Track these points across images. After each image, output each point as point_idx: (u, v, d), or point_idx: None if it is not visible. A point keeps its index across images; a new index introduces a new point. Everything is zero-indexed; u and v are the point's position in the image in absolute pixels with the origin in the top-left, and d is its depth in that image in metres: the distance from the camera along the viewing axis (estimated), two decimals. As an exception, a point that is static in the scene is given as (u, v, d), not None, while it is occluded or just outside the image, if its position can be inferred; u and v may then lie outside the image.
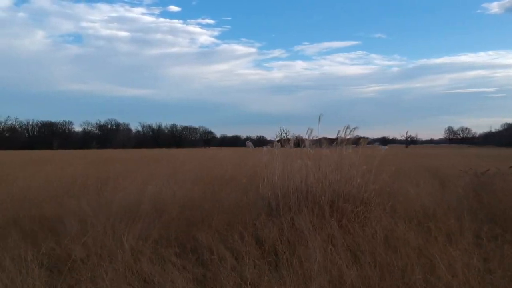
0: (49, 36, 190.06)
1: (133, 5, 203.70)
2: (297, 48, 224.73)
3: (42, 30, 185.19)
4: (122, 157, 25.24)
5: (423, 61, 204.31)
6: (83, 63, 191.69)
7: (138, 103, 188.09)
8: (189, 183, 7.59)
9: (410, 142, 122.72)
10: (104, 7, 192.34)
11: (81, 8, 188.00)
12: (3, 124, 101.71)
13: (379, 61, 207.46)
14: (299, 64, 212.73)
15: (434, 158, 18.83)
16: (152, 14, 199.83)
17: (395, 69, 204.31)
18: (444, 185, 8.48)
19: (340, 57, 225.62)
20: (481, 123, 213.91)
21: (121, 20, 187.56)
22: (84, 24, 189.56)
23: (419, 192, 6.94)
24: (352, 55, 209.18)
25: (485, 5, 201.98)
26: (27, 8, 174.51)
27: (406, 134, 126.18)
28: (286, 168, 5.79)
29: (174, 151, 46.27)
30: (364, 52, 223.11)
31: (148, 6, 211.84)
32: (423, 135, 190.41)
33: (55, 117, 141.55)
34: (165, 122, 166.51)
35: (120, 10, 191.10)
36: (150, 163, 17.38)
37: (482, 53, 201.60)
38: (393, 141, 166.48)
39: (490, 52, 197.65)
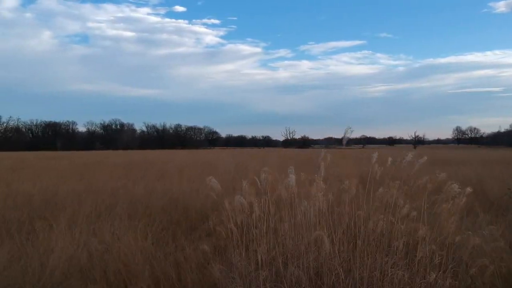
0: (56, 36, 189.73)
1: (138, 5, 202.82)
2: (303, 47, 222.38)
3: (48, 31, 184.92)
4: (111, 162, 23.03)
5: (429, 61, 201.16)
6: (89, 63, 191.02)
7: (144, 103, 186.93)
8: (136, 224, 5.24)
9: (417, 142, 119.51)
10: (110, 7, 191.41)
11: (87, 8, 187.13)
12: (5, 124, 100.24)
13: (384, 61, 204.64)
14: (305, 64, 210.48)
15: (463, 166, 16.36)
16: (157, 14, 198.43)
17: (401, 68, 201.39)
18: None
19: (346, 57, 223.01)
20: (489, 123, 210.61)
21: (127, 20, 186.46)
22: (90, 24, 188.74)
23: (485, 241, 4.55)
24: (358, 54, 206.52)
25: (491, 4, 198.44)
26: (34, 9, 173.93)
27: (415, 135, 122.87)
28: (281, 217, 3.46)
29: (173, 153, 44.12)
30: (370, 51, 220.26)
31: (153, 6, 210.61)
32: (430, 135, 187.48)
33: (61, 118, 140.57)
34: (170, 122, 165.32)
35: (126, 11, 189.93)
36: (131, 172, 15.13)
37: (488, 53, 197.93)
38: (400, 141, 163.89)
39: (497, 51, 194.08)
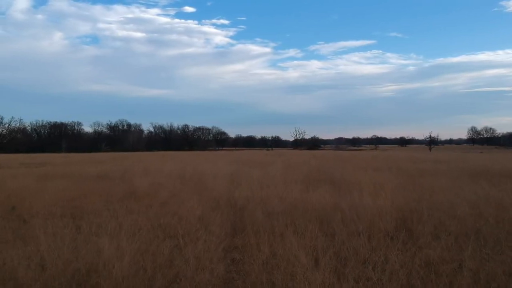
0: (67, 37, 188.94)
1: (148, 6, 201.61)
2: (312, 47, 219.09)
3: (60, 32, 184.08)
4: (88, 173, 19.63)
5: (440, 60, 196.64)
6: (100, 64, 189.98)
7: (153, 103, 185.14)
8: None
9: (430, 142, 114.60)
10: (120, 8, 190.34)
11: (97, 9, 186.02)
12: (7, 125, 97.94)
13: (395, 60, 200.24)
14: (315, 64, 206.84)
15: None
16: (167, 15, 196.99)
17: (412, 68, 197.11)
18: None
19: (355, 56, 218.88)
20: (501, 122, 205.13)
21: (137, 21, 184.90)
22: (100, 25, 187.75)
23: None
24: (368, 54, 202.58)
25: (503, 3, 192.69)
26: (45, 10, 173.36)
27: (430, 135, 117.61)
28: None
29: (173, 157, 40.73)
30: (380, 51, 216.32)
31: (163, 7, 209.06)
32: (442, 135, 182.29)
33: (70, 118, 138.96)
34: (178, 122, 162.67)
35: (136, 11, 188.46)
36: (91, 191, 11.67)
37: (500, 52, 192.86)
38: (411, 141, 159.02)
39: (508, 50, 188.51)
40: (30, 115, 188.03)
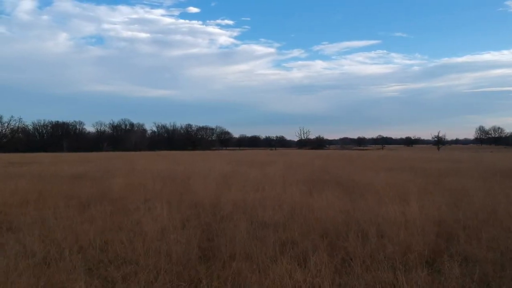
0: (72, 38, 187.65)
1: (153, 6, 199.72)
2: (317, 48, 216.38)
3: (65, 32, 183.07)
4: (67, 172, 17.82)
5: (445, 60, 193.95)
6: (104, 64, 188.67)
7: (158, 104, 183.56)
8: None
9: (438, 142, 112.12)
10: (125, 9, 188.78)
11: (102, 10, 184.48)
12: (6, 124, 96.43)
13: (399, 60, 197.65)
14: (319, 64, 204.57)
15: None
16: (171, 16, 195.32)
17: (416, 68, 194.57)
18: None
19: (360, 57, 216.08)
20: (507, 122, 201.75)
21: (141, 21, 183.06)
22: (105, 26, 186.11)
23: None
24: (372, 54, 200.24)
25: (508, 2, 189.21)
26: (50, 11, 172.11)
27: (438, 135, 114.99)
28: None
29: (170, 156, 38.91)
30: (384, 51, 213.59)
31: (167, 7, 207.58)
32: (447, 135, 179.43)
33: (74, 118, 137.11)
34: (181, 122, 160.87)
35: (140, 12, 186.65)
36: (52, 196, 9.79)
37: (505, 51, 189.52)
38: (417, 141, 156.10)
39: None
40: (33, 115, 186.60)
